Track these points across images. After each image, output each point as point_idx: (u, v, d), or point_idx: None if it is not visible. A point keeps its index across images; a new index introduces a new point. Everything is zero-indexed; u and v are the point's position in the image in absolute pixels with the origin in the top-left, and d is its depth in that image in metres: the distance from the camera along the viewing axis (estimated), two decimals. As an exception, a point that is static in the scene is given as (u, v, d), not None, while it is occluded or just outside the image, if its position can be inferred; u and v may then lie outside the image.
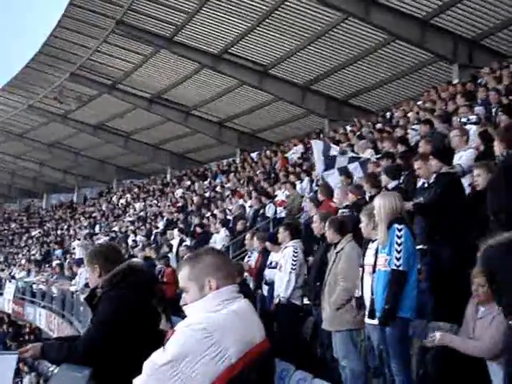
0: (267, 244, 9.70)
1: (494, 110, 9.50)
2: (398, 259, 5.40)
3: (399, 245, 5.43)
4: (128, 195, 34.84)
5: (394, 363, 5.38)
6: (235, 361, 2.47)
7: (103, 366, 3.57)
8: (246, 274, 10.08)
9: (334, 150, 12.69)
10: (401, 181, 8.42)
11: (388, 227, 5.52)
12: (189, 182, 29.05)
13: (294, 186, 14.84)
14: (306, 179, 15.41)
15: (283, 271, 8.38)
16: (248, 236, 11.22)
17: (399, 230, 5.48)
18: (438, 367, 4.89)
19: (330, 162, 11.94)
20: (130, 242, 22.44)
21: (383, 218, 5.57)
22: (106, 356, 3.57)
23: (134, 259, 4.33)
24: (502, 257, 3.82)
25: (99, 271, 3.97)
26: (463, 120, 8.70)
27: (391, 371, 5.45)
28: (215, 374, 2.44)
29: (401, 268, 5.40)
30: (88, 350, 3.63)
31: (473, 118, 8.60)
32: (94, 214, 34.50)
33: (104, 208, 34.94)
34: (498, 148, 5.80)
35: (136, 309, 3.72)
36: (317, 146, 12.84)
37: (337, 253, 6.82)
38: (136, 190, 35.36)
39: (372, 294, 5.79)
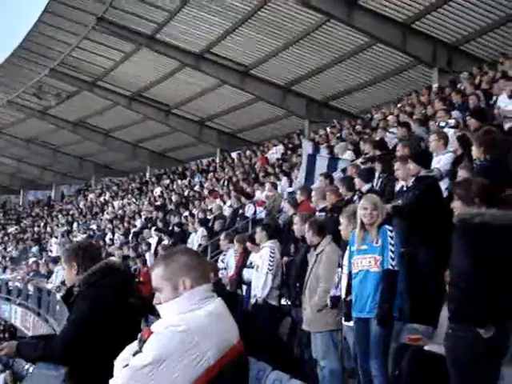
0: (248, 244, 9.73)
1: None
2: (392, 259, 5.49)
3: (393, 245, 5.52)
4: (106, 193, 34.64)
5: (374, 363, 5.41)
6: (213, 362, 2.48)
7: (79, 364, 3.56)
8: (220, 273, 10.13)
9: (323, 152, 12.79)
10: (376, 183, 8.48)
11: (378, 228, 5.61)
12: (168, 181, 28.96)
13: (275, 186, 14.89)
14: (284, 179, 15.46)
15: (260, 271, 8.41)
16: (222, 237, 11.26)
17: (391, 231, 5.59)
18: (412, 369, 4.94)
19: (310, 164, 12.02)
20: (107, 240, 22.33)
21: (378, 217, 5.64)
22: (82, 355, 3.55)
23: (112, 258, 4.32)
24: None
25: (77, 269, 3.95)
26: (442, 124, 8.80)
27: (368, 371, 5.48)
28: (194, 375, 2.45)
29: (396, 268, 5.50)
30: (64, 348, 3.61)
31: (451, 121, 8.71)
32: (71, 212, 34.22)
33: (82, 206, 34.69)
34: (475, 152, 5.87)
35: (113, 308, 3.71)
36: (306, 148, 12.94)
37: (317, 254, 6.86)
38: (114, 187, 35.17)
39: (348, 295, 5.83)
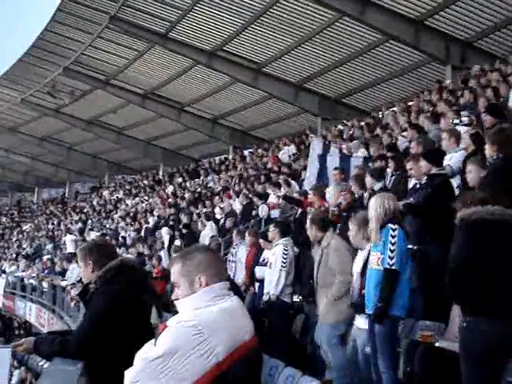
0: (260, 241, 9.77)
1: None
2: (391, 258, 5.49)
3: (393, 244, 5.52)
4: (120, 191, 34.79)
5: (382, 360, 5.45)
6: (223, 358, 2.54)
7: (95, 359, 3.62)
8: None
9: (334, 152, 12.76)
10: (389, 181, 8.47)
11: (382, 227, 5.60)
12: (180, 179, 29.04)
13: (288, 184, 14.88)
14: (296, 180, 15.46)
15: (273, 268, 8.45)
16: (234, 233, 11.32)
17: (393, 230, 5.57)
18: (424, 365, 4.97)
19: (321, 164, 12.00)
20: (120, 237, 22.44)
21: (375, 219, 5.65)
22: (98, 350, 3.61)
23: (127, 255, 4.39)
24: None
25: (92, 267, 4.02)
26: (456, 121, 8.77)
27: (377, 369, 5.51)
28: (203, 370, 2.51)
29: (394, 267, 5.49)
30: (81, 343, 3.67)
31: (465, 119, 8.68)
32: (85, 210, 34.42)
33: (95, 203, 34.87)
34: (488, 151, 5.88)
35: (128, 304, 3.77)
36: (316, 146, 12.91)
37: (323, 248, 6.88)
38: (127, 185, 35.31)
39: (359, 296, 5.89)
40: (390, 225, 5.60)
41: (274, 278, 8.39)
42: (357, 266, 6.23)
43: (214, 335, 2.54)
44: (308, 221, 7.14)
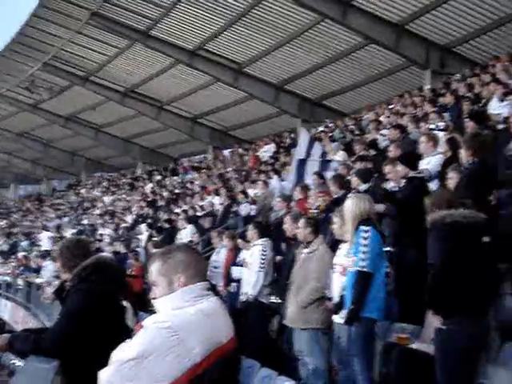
0: (239, 241, 9.76)
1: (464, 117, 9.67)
2: (363, 260, 5.49)
3: (365, 246, 5.51)
4: (97, 188, 34.57)
5: (357, 361, 5.47)
6: (200, 360, 2.51)
7: (71, 358, 3.59)
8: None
9: (317, 148, 12.78)
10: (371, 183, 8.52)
11: (356, 229, 5.62)
12: (159, 177, 28.94)
13: (266, 184, 14.91)
14: (275, 178, 15.49)
15: (251, 269, 8.44)
16: (214, 234, 11.27)
17: (365, 232, 5.56)
18: (400, 367, 5.01)
19: (300, 168, 12.03)
20: (97, 235, 22.29)
21: (351, 219, 5.67)
22: (73, 348, 3.59)
23: (103, 253, 4.39)
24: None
25: (66, 265, 4.02)
26: (432, 126, 8.86)
27: (354, 370, 5.55)
28: (179, 372, 2.48)
29: (365, 269, 5.48)
30: (55, 341, 3.65)
31: (441, 124, 8.77)
32: (61, 207, 34.14)
33: (72, 200, 34.61)
34: (464, 155, 5.97)
35: (103, 302, 3.76)
36: (304, 135, 12.94)
37: (309, 253, 6.88)
38: (105, 183, 35.10)
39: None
40: (362, 227, 5.58)
41: (251, 278, 8.38)
42: (338, 260, 6.23)
43: (191, 337, 2.51)
44: (303, 220, 7.11)
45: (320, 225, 7.28)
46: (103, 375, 2.55)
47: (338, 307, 5.98)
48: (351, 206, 5.74)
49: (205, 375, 2.51)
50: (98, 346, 3.26)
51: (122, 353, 2.54)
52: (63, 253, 4.10)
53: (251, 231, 8.84)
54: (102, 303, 3.74)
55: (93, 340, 3.53)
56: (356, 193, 7.79)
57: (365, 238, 5.53)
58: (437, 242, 4.50)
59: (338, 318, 6.01)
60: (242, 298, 8.53)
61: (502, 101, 9.09)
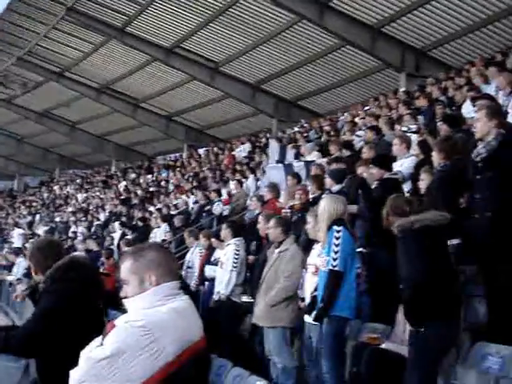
0: (213, 240, 9.77)
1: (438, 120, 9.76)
2: (334, 260, 5.54)
3: (337, 246, 5.57)
4: (71, 185, 34.26)
5: (326, 360, 5.51)
6: (172, 359, 2.51)
7: (44, 357, 3.57)
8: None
9: (290, 154, 12.86)
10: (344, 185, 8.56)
11: (328, 229, 5.65)
12: (134, 175, 28.79)
13: (240, 183, 14.93)
14: (251, 177, 15.51)
15: (224, 268, 8.46)
16: (186, 234, 11.27)
17: (337, 232, 5.62)
18: (370, 366, 5.06)
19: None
20: (70, 233, 22.11)
21: (325, 219, 5.71)
22: (44, 348, 3.56)
23: (76, 253, 4.36)
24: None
25: (38, 266, 3.99)
26: (404, 128, 8.94)
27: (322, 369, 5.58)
28: (152, 370, 2.48)
29: (337, 268, 5.53)
30: (23, 341, 3.61)
31: (413, 127, 8.84)
32: (34, 203, 33.77)
33: (45, 197, 34.26)
34: (435, 158, 6.05)
35: (78, 302, 3.73)
36: (273, 148, 12.99)
37: (280, 252, 6.90)
38: (79, 180, 34.81)
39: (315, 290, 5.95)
40: (335, 227, 5.64)
41: (224, 277, 8.40)
42: (311, 260, 6.27)
43: (163, 336, 2.51)
44: (273, 220, 7.13)
45: (291, 224, 7.31)
46: (75, 374, 2.54)
47: (310, 308, 6.01)
48: (325, 206, 5.78)
49: (177, 374, 2.52)
50: (74, 345, 3.23)
51: (95, 352, 2.53)
52: (34, 254, 4.06)
53: (225, 230, 8.87)
54: (76, 303, 3.71)
55: (68, 340, 3.50)
56: (329, 193, 7.84)
57: (337, 238, 5.60)
58: (410, 248, 4.56)
59: (309, 318, 6.04)
60: (215, 297, 8.55)
61: (474, 106, 9.20)
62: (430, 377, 4.55)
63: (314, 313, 5.68)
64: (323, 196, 6.78)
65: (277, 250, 6.95)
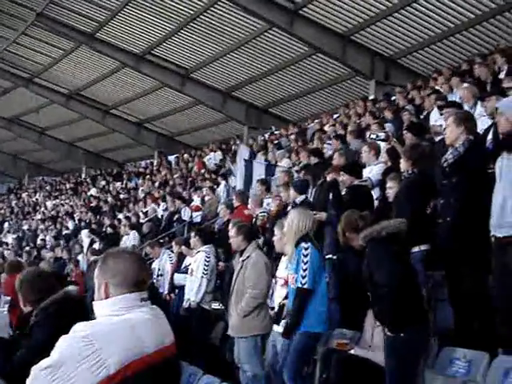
0: (183, 248, 9.77)
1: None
2: (303, 277, 5.54)
3: (305, 263, 5.56)
4: (39, 193, 33.87)
5: (286, 371, 5.53)
6: (114, 371, 2.44)
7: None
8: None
9: (260, 159, 12.88)
10: (309, 194, 8.58)
11: (296, 245, 5.66)
12: (103, 182, 28.57)
13: (213, 190, 14.92)
14: (223, 184, 15.51)
15: (194, 275, 8.45)
16: (148, 249, 11.20)
17: (305, 249, 5.61)
18: (339, 372, 5.10)
19: (247, 170, 12.12)
20: (39, 241, 21.86)
21: (292, 235, 5.71)
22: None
23: (70, 287, 4.32)
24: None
25: (23, 301, 3.99)
26: (372, 136, 9.03)
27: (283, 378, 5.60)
28: (92, 382, 2.42)
29: (306, 286, 5.54)
30: (20, 371, 3.58)
31: (382, 135, 8.93)
32: (2, 211, 33.31)
33: (13, 205, 33.80)
34: (403, 165, 6.13)
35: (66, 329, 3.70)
36: (242, 153, 13.00)
37: (243, 260, 6.86)
38: (48, 187, 34.43)
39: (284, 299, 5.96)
40: (303, 244, 5.64)
41: (195, 284, 8.39)
42: (280, 273, 6.29)
43: (106, 347, 2.45)
44: (234, 228, 7.09)
45: (254, 232, 7.28)
46: (27, 382, 2.51)
47: (278, 316, 6.03)
48: (293, 221, 5.77)
49: None
50: None
51: (42, 361, 2.50)
52: (23, 286, 4.03)
53: (193, 239, 8.87)
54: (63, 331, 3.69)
55: None
56: (293, 205, 7.88)
57: (305, 256, 5.59)
58: (381, 256, 4.62)
59: (278, 327, 6.07)
60: (185, 304, 8.52)
61: (441, 114, 9.34)
62: (412, 381, 4.60)
63: (282, 327, 5.68)
64: (290, 210, 6.77)
65: (240, 259, 6.91)
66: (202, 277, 8.33)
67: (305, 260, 5.57)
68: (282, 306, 5.96)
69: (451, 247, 5.14)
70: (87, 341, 2.45)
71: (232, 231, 6.98)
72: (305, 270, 5.54)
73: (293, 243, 5.68)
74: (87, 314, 4.04)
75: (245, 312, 6.56)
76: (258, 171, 12.23)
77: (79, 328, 2.53)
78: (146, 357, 2.54)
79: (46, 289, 3.97)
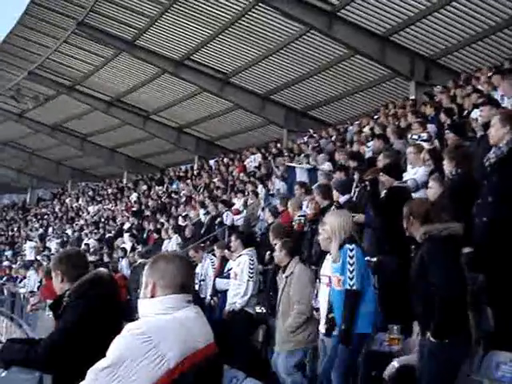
0: (225, 252, 9.77)
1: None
2: (351, 279, 5.50)
3: (351, 265, 5.52)
4: (82, 198, 34.41)
5: (336, 375, 5.48)
6: (174, 365, 2.50)
7: (60, 371, 3.58)
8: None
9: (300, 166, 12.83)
10: (354, 193, 8.55)
11: (340, 247, 5.63)
12: (145, 187, 28.89)
13: (256, 194, 14.94)
14: (261, 187, 15.52)
15: (239, 279, 8.41)
16: (191, 252, 11.28)
17: (351, 250, 5.58)
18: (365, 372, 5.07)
19: (290, 175, 12.08)
20: (83, 245, 22.19)
21: (336, 236, 5.66)
22: (64, 361, 3.57)
23: (101, 269, 4.39)
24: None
25: (62, 277, 4.01)
26: (414, 137, 8.92)
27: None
28: (154, 378, 2.48)
29: (354, 288, 5.50)
30: (49, 355, 3.63)
31: (424, 135, 8.82)
32: (46, 216, 33.94)
33: (57, 210, 34.42)
34: (447, 166, 6.03)
35: (98, 318, 3.75)
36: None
37: (286, 277, 6.85)
38: (90, 192, 34.96)
39: (330, 312, 5.95)
40: (348, 245, 5.60)
41: (241, 288, 8.35)
42: (324, 271, 6.24)
43: (164, 342, 2.51)
44: (279, 244, 7.09)
45: (295, 248, 7.23)
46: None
47: (328, 329, 5.98)
48: (335, 224, 5.73)
49: (181, 380, 2.51)
50: (91, 360, 3.25)
51: (98, 362, 2.55)
52: (63, 262, 4.07)
53: (234, 242, 8.88)
54: (97, 319, 3.74)
55: (86, 354, 3.51)
56: (337, 205, 7.84)
57: (351, 257, 5.55)
58: (437, 255, 4.53)
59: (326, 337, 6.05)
60: (229, 307, 8.50)
61: (480, 110, 9.18)
62: None
63: (336, 335, 5.67)
64: (330, 212, 6.71)
65: (283, 276, 6.92)
66: (249, 280, 8.31)
67: (351, 262, 5.53)
68: (331, 319, 5.90)
69: (487, 247, 5.04)
70: (145, 337, 2.51)
71: (276, 246, 6.99)
72: (352, 272, 5.50)
73: (337, 246, 5.64)
74: (117, 295, 4.12)
75: (292, 328, 6.58)
76: (301, 176, 12.19)
77: (133, 326, 2.58)
78: (199, 352, 2.61)
79: (83, 266, 4.04)
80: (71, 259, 4.08)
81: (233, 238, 9.09)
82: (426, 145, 8.69)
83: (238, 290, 8.40)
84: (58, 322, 3.89)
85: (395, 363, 5.10)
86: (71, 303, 3.82)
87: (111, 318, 3.81)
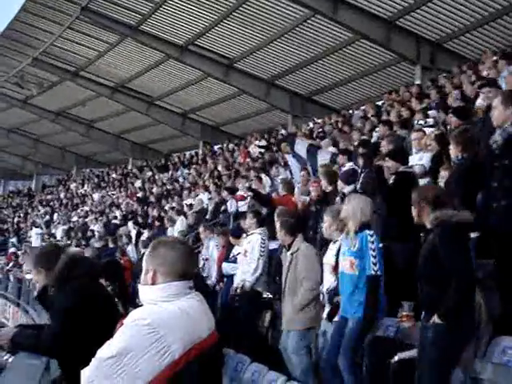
0: (230, 238, 9.74)
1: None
2: (374, 264, 5.52)
3: (373, 250, 5.55)
4: (87, 184, 34.46)
5: (343, 359, 5.48)
6: (179, 356, 2.52)
7: (66, 356, 3.61)
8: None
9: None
10: (358, 179, 8.51)
11: (357, 231, 5.63)
12: (150, 173, 28.89)
13: (260, 179, 14.89)
14: (266, 176, 15.47)
15: (249, 257, 8.35)
16: (201, 229, 11.28)
17: (371, 236, 5.60)
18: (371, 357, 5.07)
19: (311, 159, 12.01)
20: (88, 231, 22.25)
21: (355, 221, 5.66)
22: (68, 346, 3.60)
23: (71, 249, 4.49)
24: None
25: (43, 271, 4.14)
26: (421, 122, 8.87)
27: (336, 366, 5.55)
28: (158, 368, 2.50)
29: (379, 273, 5.55)
30: (55, 340, 3.68)
31: (430, 120, 8.77)
32: (51, 203, 34.01)
33: (62, 196, 34.48)
34: (453, 151, 5.99)
35: (90, 296, 3.79)
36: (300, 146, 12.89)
37: (292, 254, 6.82)
38: (95, 179, 35.00)
39: (336, 293, 5.94)
40: (367, 231, 5.63)
41: (251, 265, 8.23)
42: (327, 261, 6.24)
43: (169, 333, 2.52)
44: (278, 224, 7.06)
45: (297, 226, 7.19)
46: (85, 373, 2.57)
47: (332, 314, 5.99)
48: (356, 207, 5.72)
49: (185, 371, 2.53)
50: (91, 342, 3.27)
51: (103, 351, 2.55)
52: (36, 262, 4.26)
53: (250, 220, 8.72)
54: (87, 297, 3.79)
55: (87, 336, 3.54)
56: (341, 196, 7.79)
57: (372, 243, 5.58)
58: (451, 242, 4.50)
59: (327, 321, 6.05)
60: (237, 285, 8.42)
61: (482, 92, 9.11)
62: (449, 373, 4.53)
63: (336, 321, 5.71)
64: (352, 195, 6.64)
65: (289, 253, 6.87)
66: (259, 258, 8.24)
67: (372, 247, 5.56)
68: (337, 305, 5.90)
69: (504, 232, 5.01)
70: (151, 328, 2.52)
71: (276, 225, 6.97)
72: (375, 257, 5.53)
73: (354, 227, 5.63)
74: (97, 269, 4.20)
75: (302, 305, 6.52)
76: (322, 160, 12.08)
77: (139, 315, 2.58)
78: (204, 341, 2.62)
79: (56, 258, 4.11)
80: (48, 254, 4.24)
81: (249, 215, 8.93)
82: (431, 130, 8.64)
83: (248, 268, 8.32)
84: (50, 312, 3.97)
85: (396, 357, 5.12)
86: (57, 290, 3.90)
87: (102, 293, 3.86)
